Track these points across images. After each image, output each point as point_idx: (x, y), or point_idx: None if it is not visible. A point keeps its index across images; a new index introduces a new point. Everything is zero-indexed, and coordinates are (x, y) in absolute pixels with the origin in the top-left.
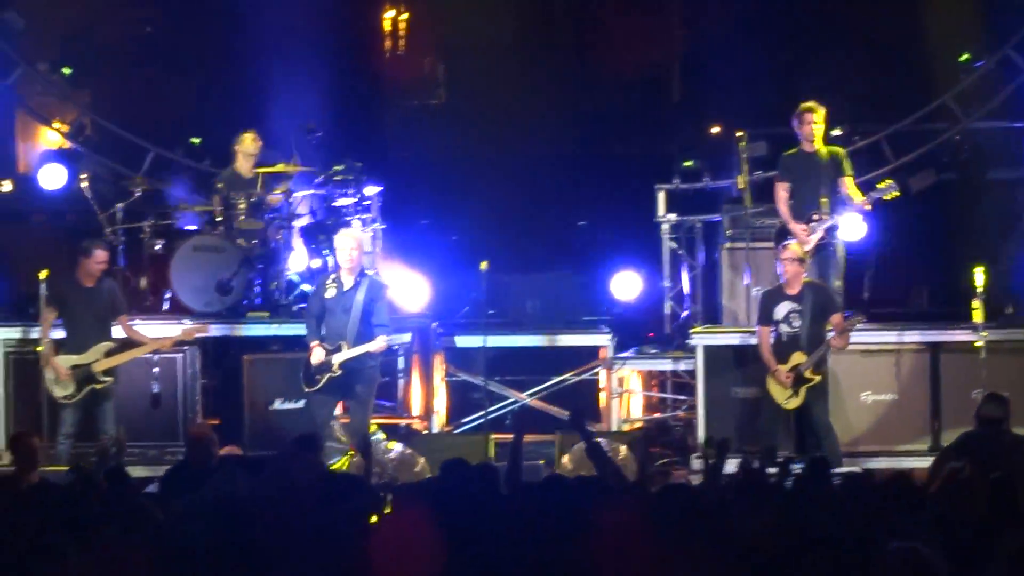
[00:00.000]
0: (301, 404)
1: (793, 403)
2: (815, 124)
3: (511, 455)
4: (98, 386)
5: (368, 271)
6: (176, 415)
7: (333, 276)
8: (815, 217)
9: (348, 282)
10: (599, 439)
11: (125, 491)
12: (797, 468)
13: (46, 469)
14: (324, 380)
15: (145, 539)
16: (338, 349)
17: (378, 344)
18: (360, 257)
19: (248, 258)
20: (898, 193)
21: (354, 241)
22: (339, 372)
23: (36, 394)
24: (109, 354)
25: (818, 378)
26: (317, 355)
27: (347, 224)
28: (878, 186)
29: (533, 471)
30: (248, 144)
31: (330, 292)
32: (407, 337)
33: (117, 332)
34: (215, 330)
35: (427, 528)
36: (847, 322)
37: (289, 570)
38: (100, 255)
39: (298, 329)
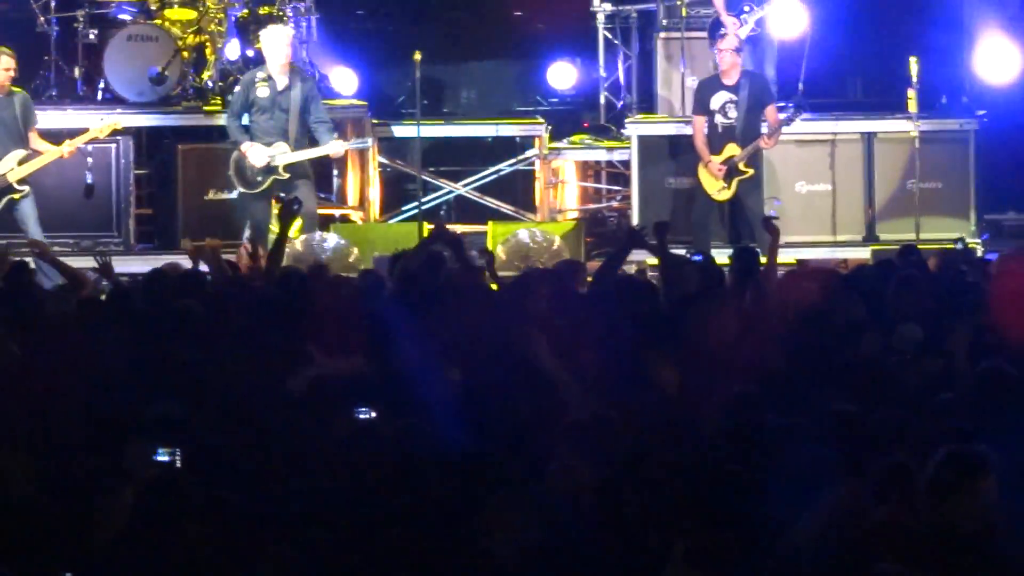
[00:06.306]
0: (235, 195)
1: (724, 195)
2: None
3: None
4: (16, 196)
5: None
6: (110, 205)
7: (263, 74)
8: (746, 8)
9: (282, 81)
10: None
11: None
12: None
13: None
14: (268, 182)
15: None
16: (278, 150)
17: (335, 148)
18: (292, 54)
19: (182, 48)
20: None
21: (287, 37)
22: (286, 175)
23: None
24: (22, 162)
25: (751, 172)
26: (258, 156)
27: (279, 15)
28: None
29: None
30: None
31: (262, 91)
32: (369, 142)
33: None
34: (149, 120)
35: None
36: (780, 122)
37: None
38: (7, 62)
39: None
